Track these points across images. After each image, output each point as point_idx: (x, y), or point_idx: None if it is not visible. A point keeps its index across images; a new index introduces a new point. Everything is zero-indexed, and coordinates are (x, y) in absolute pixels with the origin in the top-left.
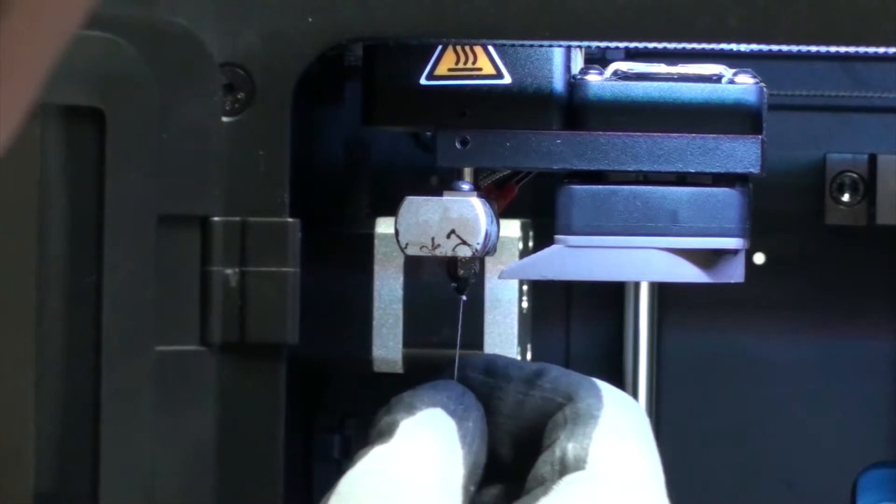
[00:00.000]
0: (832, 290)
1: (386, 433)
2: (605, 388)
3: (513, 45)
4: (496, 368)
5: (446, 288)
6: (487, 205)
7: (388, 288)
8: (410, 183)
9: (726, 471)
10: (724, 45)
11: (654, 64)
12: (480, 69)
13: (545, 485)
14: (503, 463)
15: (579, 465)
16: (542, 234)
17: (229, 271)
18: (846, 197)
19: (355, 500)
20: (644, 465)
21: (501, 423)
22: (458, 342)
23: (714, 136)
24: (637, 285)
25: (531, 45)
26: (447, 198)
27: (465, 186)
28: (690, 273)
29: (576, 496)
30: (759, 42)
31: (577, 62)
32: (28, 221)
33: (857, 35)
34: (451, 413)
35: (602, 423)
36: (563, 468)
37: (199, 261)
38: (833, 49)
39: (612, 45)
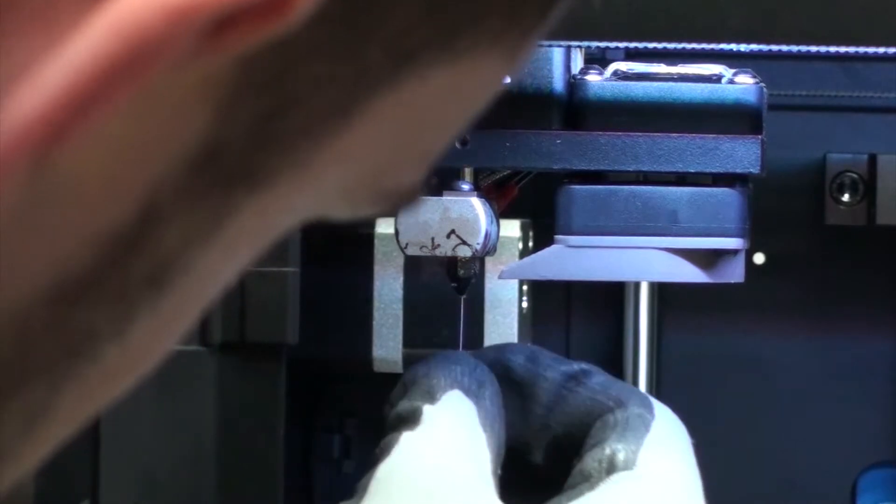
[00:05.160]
0: (832, 290)
1: (410, 420)
2: (653, 400)
3: None
4: (540, 358)
5: (446, 288)
6: (487, 205)
7: (388, 288)
8: None
9: (726, 471)
10: (724, 45)
11: (654, 64)
12: None
13: (590, 481)
14: (532, 453)
15: (628, 467)
16: (542, 234)
17: None
18: (846, 197)
19: (398, 489)
20: (690, 476)
21: (539, 412)
22: (461, 342)
23: (714, 136)
24: (637, 285)
25: None
26: (447, 198)
27: (465, 186)
28: (690, 273)
29: (622, 494)
30: (759, 42)
31: (577, 62)
32: None
33: (857, 35)
34: (468, 392)
35: (653, 432)
36: (612, 467)
37: None
38: (833, 49)
39: (612, 45)
